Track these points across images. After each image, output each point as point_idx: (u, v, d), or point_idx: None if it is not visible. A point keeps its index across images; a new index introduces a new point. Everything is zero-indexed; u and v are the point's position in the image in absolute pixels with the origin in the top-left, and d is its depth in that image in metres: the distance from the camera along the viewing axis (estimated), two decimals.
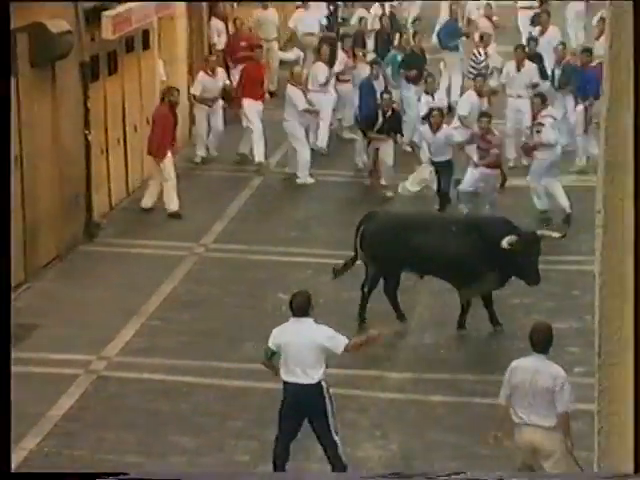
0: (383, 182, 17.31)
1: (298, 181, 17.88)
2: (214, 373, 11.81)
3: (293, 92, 18.07)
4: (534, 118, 16.57)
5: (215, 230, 15.91)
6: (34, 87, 13.92)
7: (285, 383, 9.64)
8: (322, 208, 16.78)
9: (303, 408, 9.59)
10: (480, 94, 18.16)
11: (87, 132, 15.30)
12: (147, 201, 16.59)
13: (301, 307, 9.63)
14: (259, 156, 18.23)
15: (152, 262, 14.72)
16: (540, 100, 16.54)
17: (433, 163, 16.52)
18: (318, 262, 14.71)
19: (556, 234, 12.96)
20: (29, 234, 13.86)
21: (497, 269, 12.44)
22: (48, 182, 14.34)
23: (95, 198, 15.63)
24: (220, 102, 18.72)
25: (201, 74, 18.56)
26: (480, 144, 16.07)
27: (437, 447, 10.44)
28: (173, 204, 16.37)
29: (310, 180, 17.87)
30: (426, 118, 16.85)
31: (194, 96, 18.63)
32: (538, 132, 16.28)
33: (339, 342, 9.58)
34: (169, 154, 16.45)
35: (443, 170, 16.36)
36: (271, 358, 9.70)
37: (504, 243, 12.20)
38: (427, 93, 18.28)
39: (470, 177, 16.09)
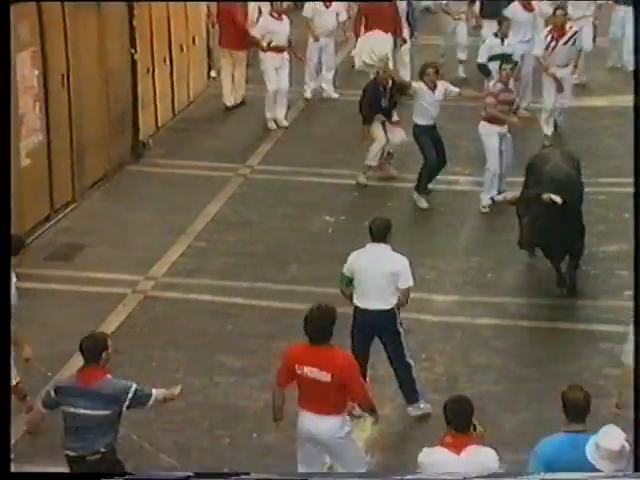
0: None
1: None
2: (260, 294, 11.83)
3: None
4: (562, 29, 15.60)
5: (261, 151, 15.85)
6: (80, 5, 13.82)
7: (356, 308, 9.52)
8: None
9: (374, 332, 9.54)
10: (527, 7, 16.59)
11: (133, 51, 15.23)
12: (231, 98, 17.02)
13: (379, 232, 9.47)
14: None
15: (198, 183, 14.71)
16: (563, 12, 15.90)
17: None
18: (364, 184, 14.62)
19: (558, 199, 11.04)
20: (76, 154, 13.88)
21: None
22: (95, 102, 14.31)
23: (141, 118, 15.61)
24: (286, 55, 16.65)
25: (265, 17, 16.89)
26: (501, 96, 13.49)
27: (483, 370, 10.43)
28: (230, 99, 17.04)
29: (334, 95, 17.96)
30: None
31: (256, 41, 16.66)
32: (579, 37, 15.76)
33: (405, 280, 9.41)
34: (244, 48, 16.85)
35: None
36: (349, 285, 9.52)
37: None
38: (496, 35, 15.76)
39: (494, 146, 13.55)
